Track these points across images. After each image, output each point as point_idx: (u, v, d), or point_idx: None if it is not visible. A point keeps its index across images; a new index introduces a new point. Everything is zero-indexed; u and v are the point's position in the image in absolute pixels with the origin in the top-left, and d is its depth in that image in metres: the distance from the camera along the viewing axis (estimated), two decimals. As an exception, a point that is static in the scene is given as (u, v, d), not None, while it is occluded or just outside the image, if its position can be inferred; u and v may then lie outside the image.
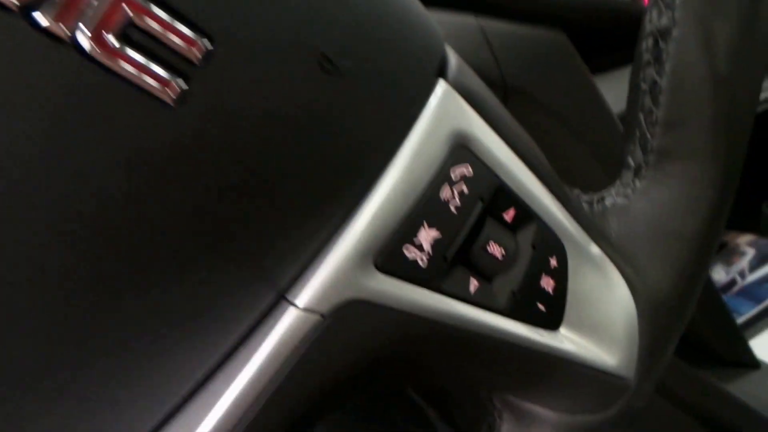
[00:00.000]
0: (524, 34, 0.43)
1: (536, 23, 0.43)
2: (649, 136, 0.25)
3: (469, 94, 0.20)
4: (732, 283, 0.76)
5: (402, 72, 0.18)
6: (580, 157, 0.45)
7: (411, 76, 0.19)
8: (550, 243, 0.22)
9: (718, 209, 0.25)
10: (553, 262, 0.22)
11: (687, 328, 0.27)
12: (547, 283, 0.22)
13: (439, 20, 0.20)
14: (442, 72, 0.20)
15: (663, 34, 0.25)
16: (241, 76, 0.15)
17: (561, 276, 0.22)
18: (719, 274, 0.77)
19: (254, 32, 0.15)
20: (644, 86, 0.25)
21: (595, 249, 0.24)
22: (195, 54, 0.14)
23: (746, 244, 0.80)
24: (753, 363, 0.63)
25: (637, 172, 0.26)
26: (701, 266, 0.26)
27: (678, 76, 0.24)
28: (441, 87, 0.19)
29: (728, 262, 0.78)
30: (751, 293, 0.75)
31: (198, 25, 0.14)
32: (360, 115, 0.17)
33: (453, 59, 0.20)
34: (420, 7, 0.20)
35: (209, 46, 0.14)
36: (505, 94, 0.41)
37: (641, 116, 0.25)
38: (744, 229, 0.81)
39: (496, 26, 0.42)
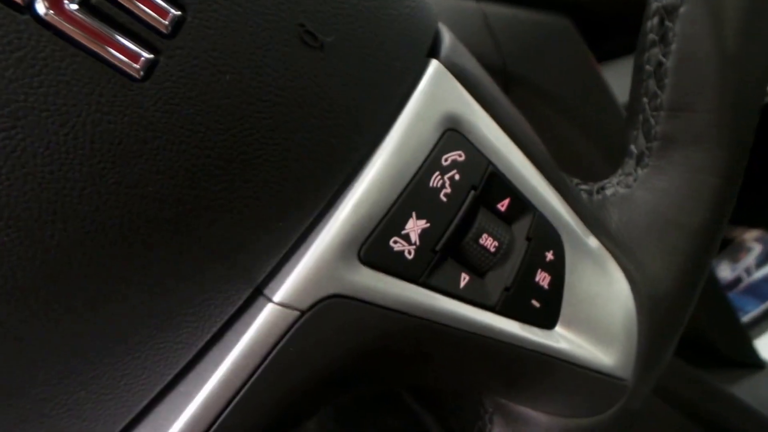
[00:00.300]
0: (527, 19, 0.42)
1: (540, 8, 0.43)
2: (653, 121, 0.24)
3: (464, 75, 0.19)
4: (737, 280, 0.75)
5: (391, 50, 0.17)
6: (582, 147, 0.44)
7: (401, 55, 0.17)
8: (546, 235, 0.21)
9: (722, 199, 0.24)
10: (550, 255, 0.21)
11: (689, 327, 0.26)
12: (543, 279, 0.21)
13: (438, 3, 0.19)
14: (435, 51, 0.19)
15: (669, 12, 0.23)
16: (214, 49, 0.14)
17: (557, 271, 0.21)
18: (724, 271, 0.76)
19: (229, 1, 0.14)
20: (649, 68, 0.24)
21: (593, 242, 0.23)
22: (163, 23, 0.13)
23: (753, 240, 0.79)
24: (758, 363, 0.62)
25: (639, 160, 0.25)
26: (704, 259, 0.25)
27: (684, 56, 0.23)
28: (433, 67, 0.18)
29: (734, 259, 0.77)
30: (757, 291, 0.74)
31: None
32: (344, 94, 0.16)
33: (447, 37, 0.19)
34: None
35: (179, 15, 0.13)
36: (506, 81, 0.40)
37: (645, 101, 0.24)
38: (751, 224, 0.80)
39: (498, 11, 0.41)
